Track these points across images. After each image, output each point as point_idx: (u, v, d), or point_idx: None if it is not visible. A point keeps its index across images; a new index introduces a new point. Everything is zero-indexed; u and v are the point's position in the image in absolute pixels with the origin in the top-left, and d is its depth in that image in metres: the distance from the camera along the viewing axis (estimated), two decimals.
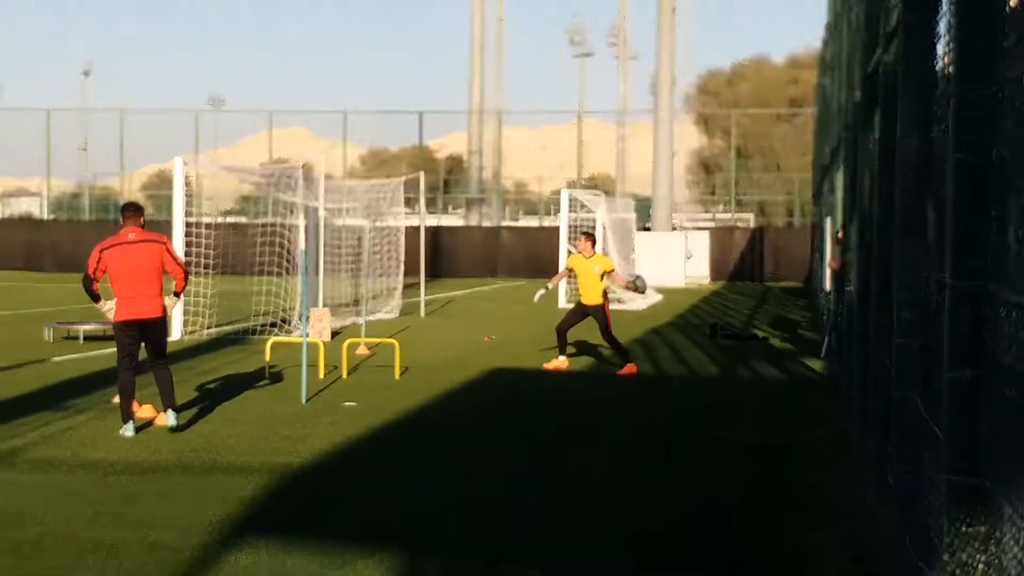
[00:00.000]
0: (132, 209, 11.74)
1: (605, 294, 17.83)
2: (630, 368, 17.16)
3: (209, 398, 13.65)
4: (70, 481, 9.21)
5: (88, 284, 11.34)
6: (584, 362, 18.45)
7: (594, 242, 18.17)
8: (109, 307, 11.49)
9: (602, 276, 17.69)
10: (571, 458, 10.73)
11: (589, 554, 7.52)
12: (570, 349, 19.23)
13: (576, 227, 36.61)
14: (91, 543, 7.44)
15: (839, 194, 16.25)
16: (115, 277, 11.35)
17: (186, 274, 11.75)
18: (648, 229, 49.48)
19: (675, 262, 46.25)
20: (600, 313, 17.64)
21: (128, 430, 11.24)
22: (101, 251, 11.36)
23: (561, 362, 17.58)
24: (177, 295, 11.90)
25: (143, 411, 12.03)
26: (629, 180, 72.12)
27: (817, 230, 30.46)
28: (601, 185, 75.18)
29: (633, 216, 41.88)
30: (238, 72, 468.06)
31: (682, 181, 75.73)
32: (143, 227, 11.67)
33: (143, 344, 11.58)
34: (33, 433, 11.23)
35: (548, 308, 31.25)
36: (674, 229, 50.96)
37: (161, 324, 11.65)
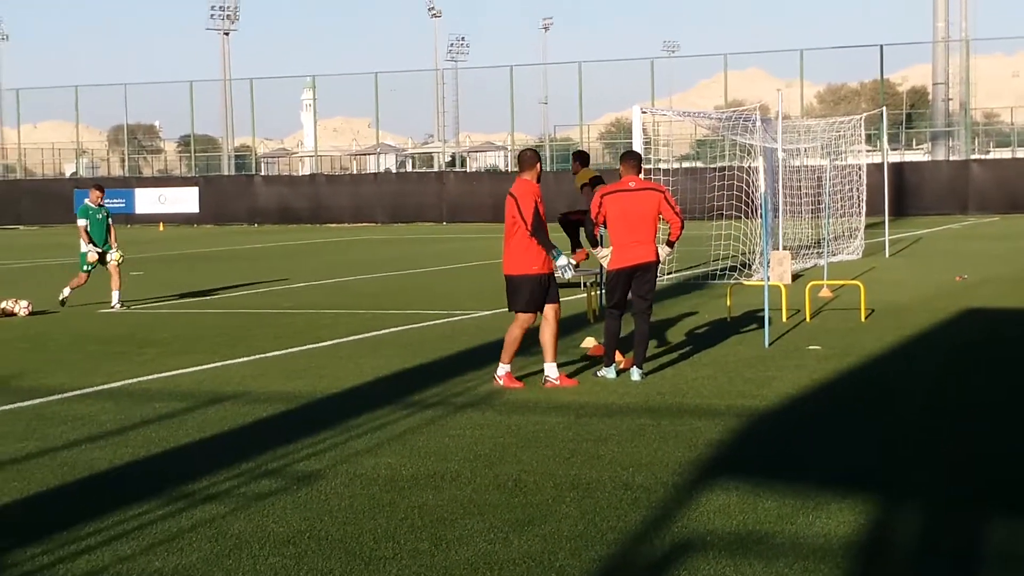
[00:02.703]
0: (632, 157, 11.95)
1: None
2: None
3: (673, 342, 13.81)
4: (545, 422, 9.58)
5: (590, 228, 11.69)
6: None
7: (580, 161, 17.58)
8: (605, 254, 11.79)
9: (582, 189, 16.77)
10: None
11: None
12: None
13: None
14: (568, 481, 7.71)
15: None
16: (613, 223, 11.59)
17: (682, 223, 11.80)
18: None
19: None
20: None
21: (610, 372, 11.51)
22: (602, 196, 11.66)
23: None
24: (671, 244, 12.04)
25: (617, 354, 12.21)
26: None
27: None
28: None
29: None
30: (692, 16, 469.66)
31: None
32: (641, 175, 11.88)
33: (630, 289, 11.64)
34: None
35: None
36: None
37: (653, 268, 11.70)
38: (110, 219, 19.71)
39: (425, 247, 36.32)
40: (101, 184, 20.85)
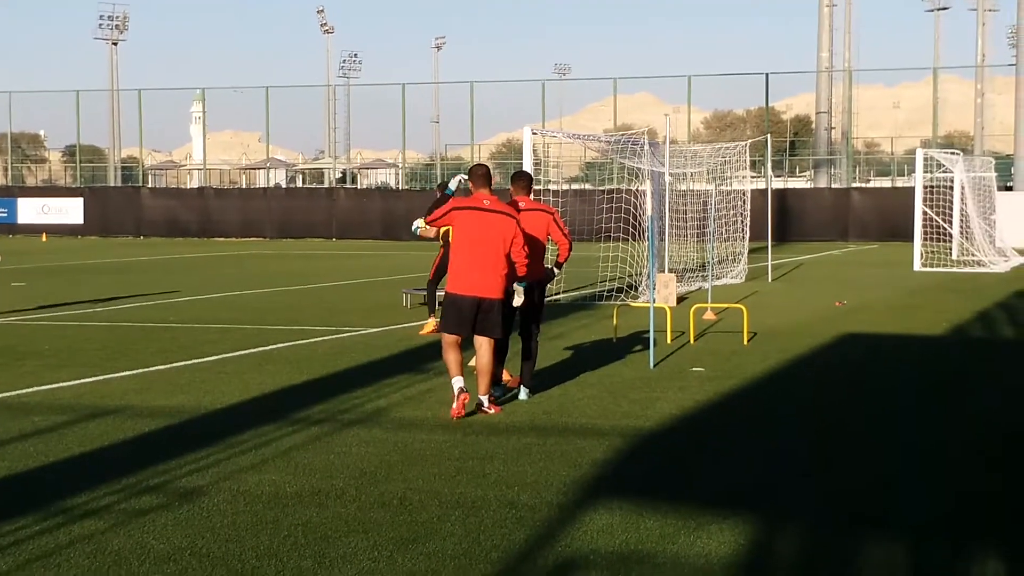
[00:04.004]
0: (523, 178, 11.96)
1: (446, 241, 16.59)
2: (430, 327, 16.41)
3: (559, 362, 13.91)
4: (431, 440, 9.59)
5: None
6: (943, 327, 17.71)
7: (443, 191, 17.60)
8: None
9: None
10: (930, 429, 10.34)
11: (944, 521, 7.23)
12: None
13: (932, 187, 35.21)
14: (453, 499, 7.73)
15: None
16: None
17: (571, 245, 11.85)
18: (1010, 188, 47.00)
19: None
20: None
21: (495, 391, 11.47)
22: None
23: (432, 324, 16.50)
24: (559, 265, 12.16)
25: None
26: (989, 138, 68.71)
27: None
28: (958, 143, 72.01)
29: (993, 175, 39.89)
30: (583, 40, 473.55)
31: None
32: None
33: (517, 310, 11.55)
34: (396, 394, 11.75)
35: (904, 273, 30.22)
36: None
37: (543, 286, 11.81)
38: None
39: (314, 263, 36.10)
40: None
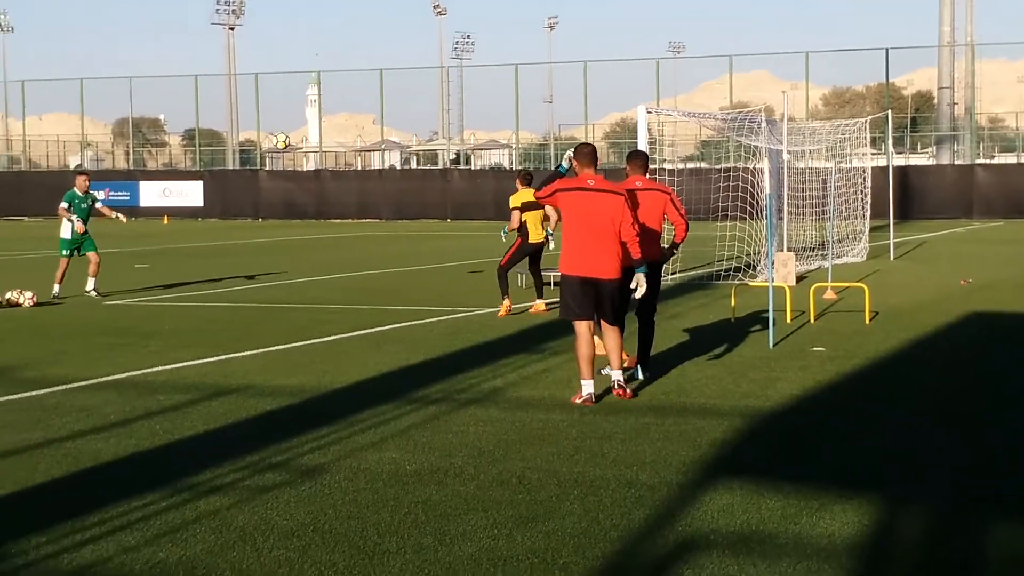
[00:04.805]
0: (639, 157, 11.78)
1: (521, 230, 17.19)
2: (504, 310, 16.67)
3: (677, 343, 13.81)
4: (548, 419, 9.58)
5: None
6: None
7: (523, 180, 17.38)
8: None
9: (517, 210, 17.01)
10: None
11: None
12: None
13: None
14: (572, 478, 7.71)
15: None
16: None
17: (687, 225, 11.70)
18: None
19: None
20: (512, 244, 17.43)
21: (616, 373, 11.34)
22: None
23: (506, 306, 16.74)
24: (676, 246, 12.06)
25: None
26: None
27: None
28: None
29: None
30: (697, 17, 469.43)
31: None
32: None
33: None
34: (513, 374, 11.76)
35: None
36: None
37: (658, 265, 11.68)
38: (95, 204, 19.92)
39: (429, 244, 36.35)
40: (86, 171, 21.06)
